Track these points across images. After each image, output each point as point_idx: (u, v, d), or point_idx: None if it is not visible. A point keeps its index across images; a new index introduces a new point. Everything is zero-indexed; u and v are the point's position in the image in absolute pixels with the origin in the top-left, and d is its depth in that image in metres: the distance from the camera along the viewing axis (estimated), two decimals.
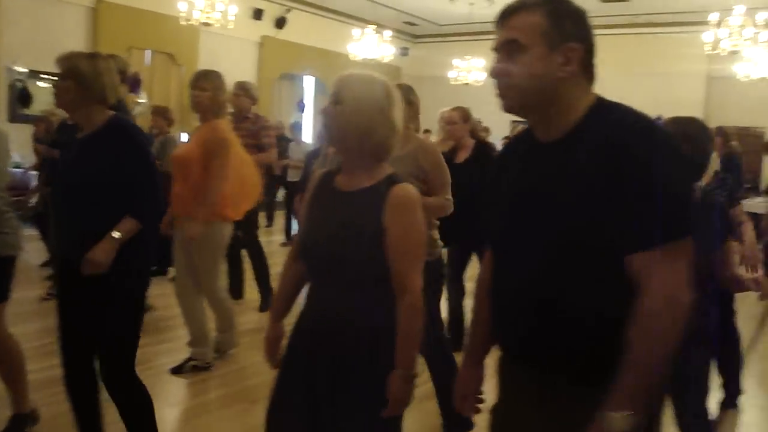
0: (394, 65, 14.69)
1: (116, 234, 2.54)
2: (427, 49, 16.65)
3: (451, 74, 14.58)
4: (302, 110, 14.24)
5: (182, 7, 9.52)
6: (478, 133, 4.66)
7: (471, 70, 14.41)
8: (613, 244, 1.34)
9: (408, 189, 1.95)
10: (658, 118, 6.53)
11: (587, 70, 1.46)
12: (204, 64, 9.95)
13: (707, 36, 10.04)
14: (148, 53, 10.90)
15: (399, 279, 1.90)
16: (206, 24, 9.82)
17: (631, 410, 1.30)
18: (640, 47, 12.57)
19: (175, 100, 10.60)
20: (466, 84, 14.39)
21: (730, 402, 3.76)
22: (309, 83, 14.84)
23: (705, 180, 2.69)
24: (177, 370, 4.06)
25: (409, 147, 3.27)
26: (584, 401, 1.38)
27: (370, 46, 12.72)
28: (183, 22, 9.67)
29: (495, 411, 1.70)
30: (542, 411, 1.52)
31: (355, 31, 12.58)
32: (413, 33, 16.53)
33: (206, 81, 3.92)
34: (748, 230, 3.32)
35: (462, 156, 4.53)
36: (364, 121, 1.90)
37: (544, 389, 1.51)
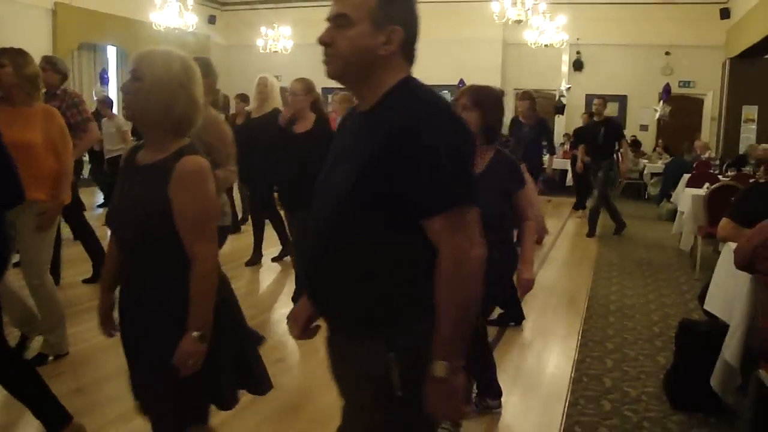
0: (203, 34, 14.30)
1: None
2: (235, 17, 16.35)
3: (259, 42, 14.46)
4: (106, 83, 13.43)
5: None
6: (320, 107, 4.78)
7: (279, 38, 14.41)
8: (388, 210, 1.50)
9: (194, 160, 1.96)
10: (460, 83, 7.03)
11: (406, 52, 1.58)
12: None
13: (495, 6, 10.90)
14: None
15: (188, 249, 1.92)
16: None
17: (448, 359, 1.50)
18: (442, 16, 13.23)
19: None
20: (275, 52, 14.38)
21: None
22: (112, 54, 14.04)
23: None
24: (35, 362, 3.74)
25: None
26: (357, 348, 1.58)
27: (172, 15, 12.27)
28: None
29: None
30: (333, 354, 1.73)
31: None
32: (220, 0, 16.14)
33: (4, 56, 3.67)
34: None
35: (301, 127, 4.66)
36: (164, 96, 1.92)
37: (332, 334, 1.72)
